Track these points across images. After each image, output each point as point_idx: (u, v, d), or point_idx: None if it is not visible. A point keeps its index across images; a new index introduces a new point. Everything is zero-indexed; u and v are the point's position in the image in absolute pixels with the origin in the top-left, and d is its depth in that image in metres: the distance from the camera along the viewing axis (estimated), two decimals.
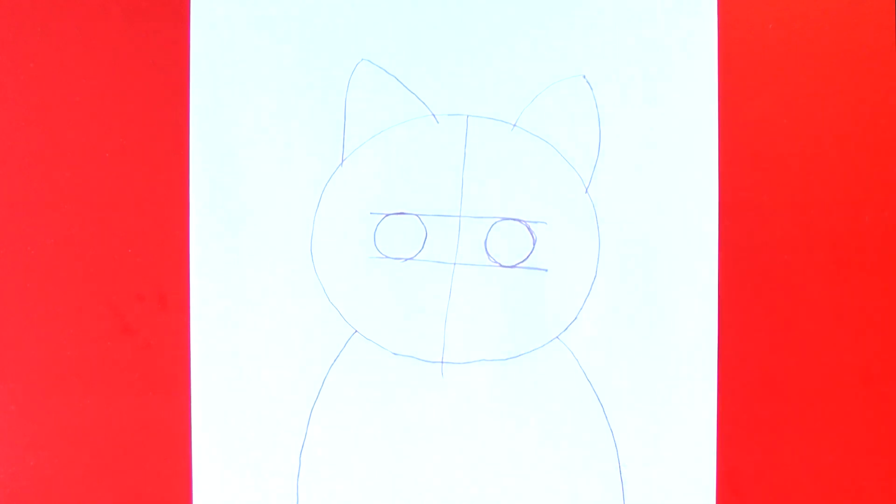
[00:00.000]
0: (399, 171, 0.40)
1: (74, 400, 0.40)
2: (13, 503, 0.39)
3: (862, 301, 0.40)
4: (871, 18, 0.40)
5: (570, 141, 0.40)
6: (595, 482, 0.39)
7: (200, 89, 0.40)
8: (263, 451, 0.40)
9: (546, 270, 0.40)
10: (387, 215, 0.40)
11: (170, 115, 0.40)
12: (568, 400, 0.39)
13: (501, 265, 0.40)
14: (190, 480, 0.39)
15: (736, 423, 0.40)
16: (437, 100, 0.40)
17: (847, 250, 0.40)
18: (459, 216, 0.40)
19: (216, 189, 0.40)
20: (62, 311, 0.40)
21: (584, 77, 0.40)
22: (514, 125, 0.40)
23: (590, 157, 0.40)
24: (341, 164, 0.40)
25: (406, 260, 0.40)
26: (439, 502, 0.40)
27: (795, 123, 0.40)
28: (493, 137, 0.40)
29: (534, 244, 0.40)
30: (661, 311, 0.40)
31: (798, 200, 0.40)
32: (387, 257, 0.40)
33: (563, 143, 0.40)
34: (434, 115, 0.40)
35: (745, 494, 0.40)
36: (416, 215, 0.40)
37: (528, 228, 0.40)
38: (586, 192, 0.40)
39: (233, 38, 0.40)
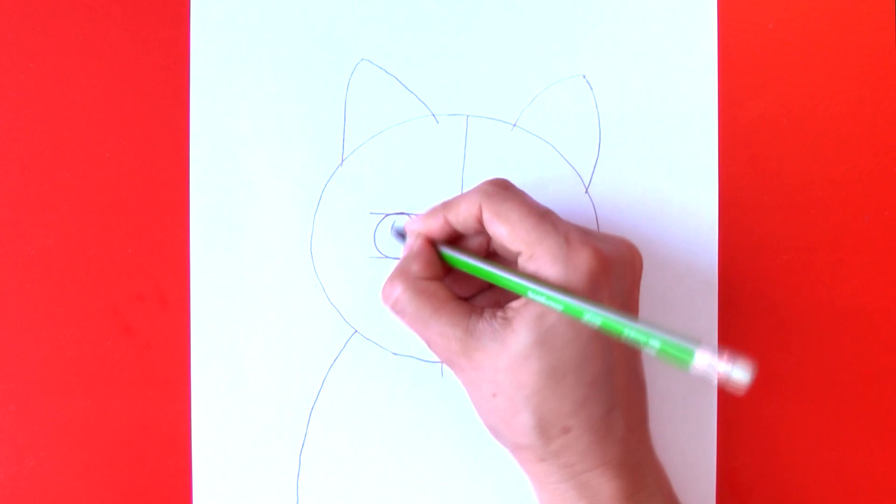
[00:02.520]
0: (399, 171, 0.40)
1: (74, 400, 0.40)
2: (13, 503, 0.39)
3: (862, 301, 0.40)
4: (871, 18, 0.41)
5: (570, 141, 0.40)
6: None
7: (200, 89, 0.40)
8: (263, 451, 0.40)
9: None
10: (387, 215, 0.40)
11: (170, 115, 0.40)
12: None
13: None
14: (190, 480, 0.39)
15: (736, 423, 0.40)
16: (437, 100, 0.40)
17: (847, 250, 0.40)
18: None
19: (216, 189, 0.40)
20: (62, 311, 0.40)
21: (584, 77, 0.40)
22: (514, 125, 0.40)
23: (590, 157, 0.40)
24: (341, 164, 0.40)
25: None
26: (439, 502, 0.40)
27: (795, 123, 0.40)
28: (493, 137, 0.40)
29: None
30: (661, 310, 0.40)
31: (798, 200, 0.40)
32: (387, 257, 0.40)
33: (563, 143, 0.40)
34: (434, 115, 0.40)
35: (745, 494, 0.40)
36: (417, 215, 0.40)
37: None
38: (586, 192, 0.40)
39: (233, 38, 0.40)
